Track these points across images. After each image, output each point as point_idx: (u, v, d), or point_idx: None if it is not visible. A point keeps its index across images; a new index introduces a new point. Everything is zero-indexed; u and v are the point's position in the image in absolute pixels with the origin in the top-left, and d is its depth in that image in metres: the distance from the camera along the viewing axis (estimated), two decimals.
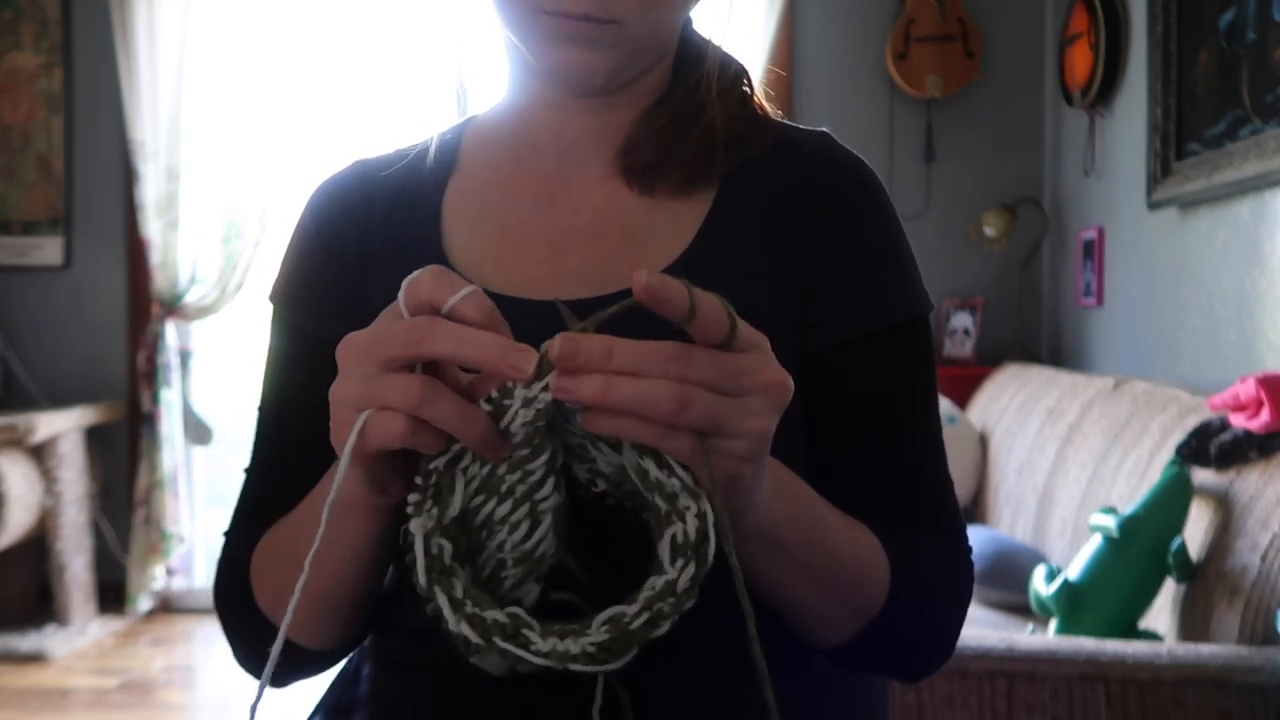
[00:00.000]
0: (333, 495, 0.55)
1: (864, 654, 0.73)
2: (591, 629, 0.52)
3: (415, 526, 0.54)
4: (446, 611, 0.52)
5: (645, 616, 0.52)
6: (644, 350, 0.52)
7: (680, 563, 0.53)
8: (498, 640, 0.51)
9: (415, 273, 0.55)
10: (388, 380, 0.53)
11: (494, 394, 0.54)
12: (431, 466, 0.55)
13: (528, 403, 0.54)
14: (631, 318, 0.73)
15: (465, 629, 0.52)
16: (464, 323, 0.53)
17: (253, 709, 0.59)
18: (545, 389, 0.53)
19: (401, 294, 0.55)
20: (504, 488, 0.57)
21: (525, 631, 0.52)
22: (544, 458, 0.57)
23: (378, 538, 0.63)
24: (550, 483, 0.58)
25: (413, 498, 0.55)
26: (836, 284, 0.76)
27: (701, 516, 0.53)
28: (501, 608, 0.53)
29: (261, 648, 0.75)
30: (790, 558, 0.65)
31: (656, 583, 0.53)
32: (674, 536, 0.53)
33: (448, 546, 0.54)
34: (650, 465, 0.55)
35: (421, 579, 0.53)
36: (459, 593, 0.53)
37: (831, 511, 0.68)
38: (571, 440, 0.59)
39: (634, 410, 0.51)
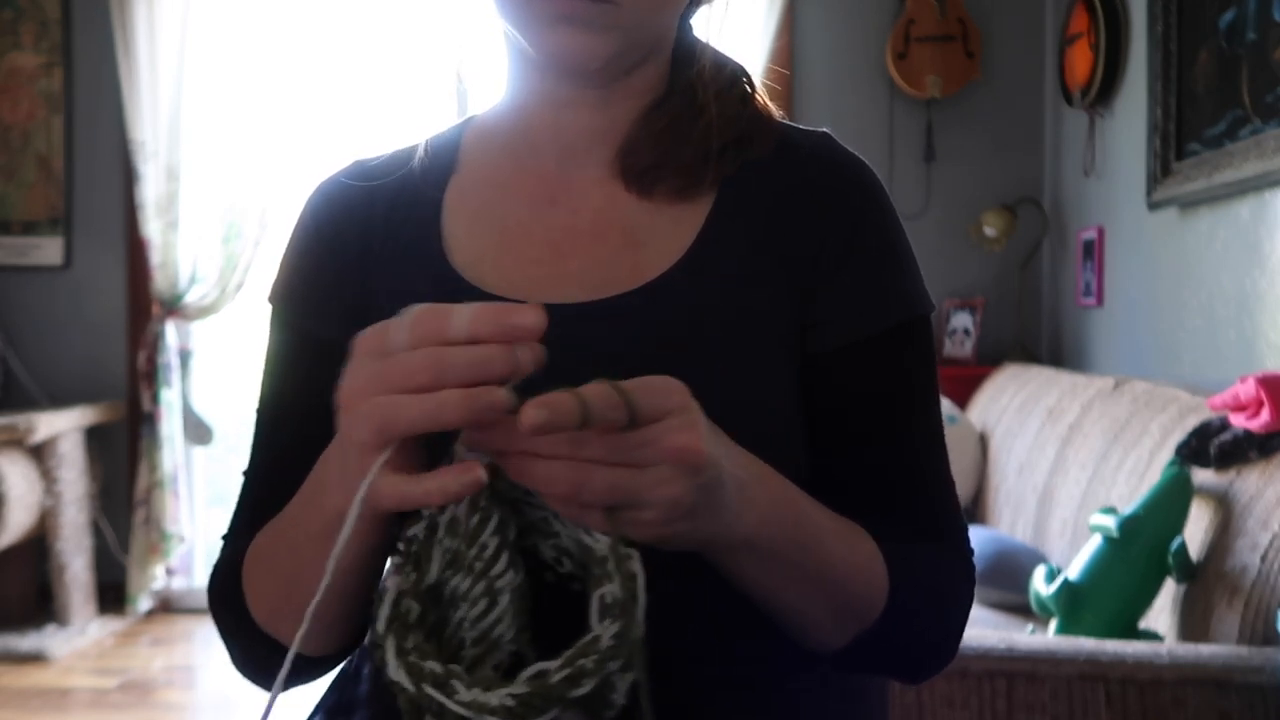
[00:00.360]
0: (355, 507, 0.55)
1: (863, 658, 0.73)
2: (515, 683, 0.51)
3: (390, 583, 0.55)
4: (390, 657, 0.53)
5: (566, 672, 0.51)
6: (541, 439, 0.53)
7: (607, 621, 0.53)
8: (425, 687, 0.51)
9: (407, 313, 0.55)
10: (400, 360, 0.53)
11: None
12: (410, 534, 0.56)
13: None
14: (625, 322, 0.73)
15: (401, 675, 0.52)
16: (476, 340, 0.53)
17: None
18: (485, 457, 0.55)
19: (405, 331, 0.54)
20: (466, 562, 0.57)
21: (454, 681, 0.51)
22: (492, 526, 0.57)
23: (373, 547, 0.63)
24: (504, 558, 0.58)
25: (394, 560, 0.56)
26: (837, 285, 0.76)
27: (629, 578, 0.54)
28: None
29: (255, 652, 0.75)
30: (782, 564, 0.65)
31: (581, 640, 0.52)
32: (602, 597, 0.54)
33: (415, 609, 0.54)
34: (579, 532, 0.57)
35: (380, 627, 0.54)
36: (408, 644, 0.53)
37: (826, 517, 0.68)
38: (534, 516, 0.59)
39: (540, 490, 0.54)
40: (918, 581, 0.73)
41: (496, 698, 0.51)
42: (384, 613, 0.54)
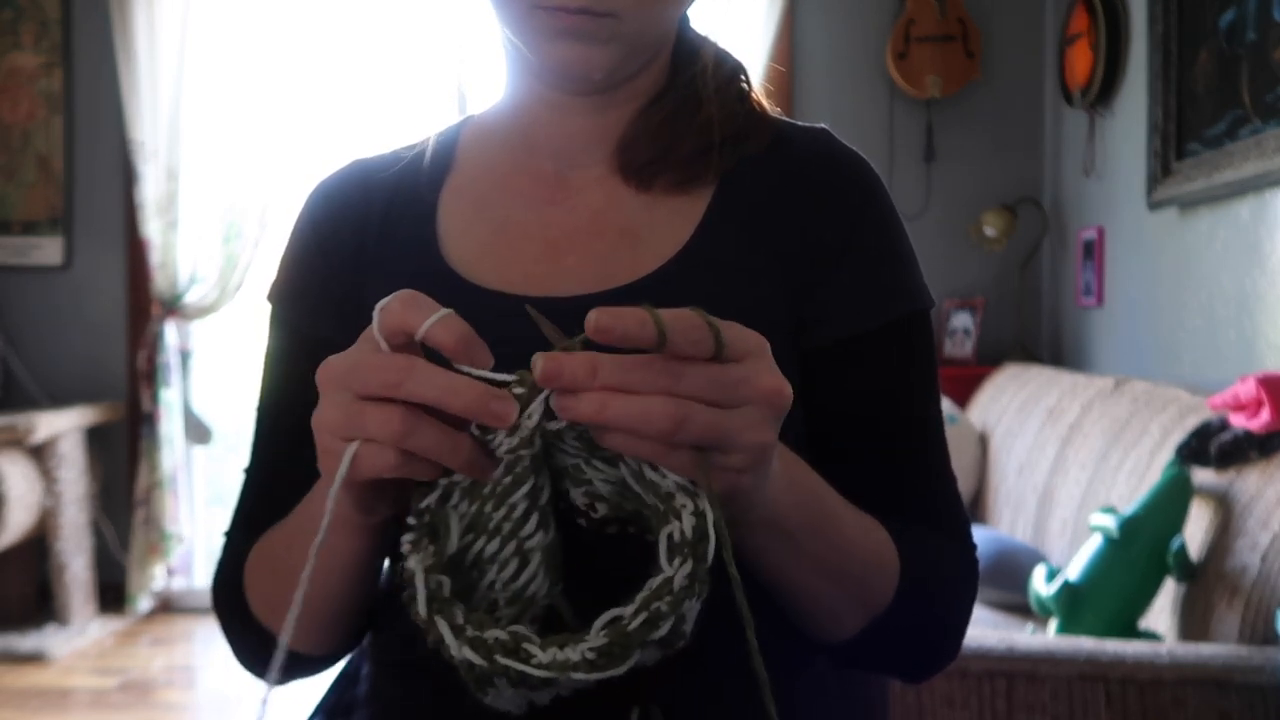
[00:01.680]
0: (323, 531, 0.54)
1: (870, 651, 0.73)
2: (590, 635, 0.50)
3: (414, 563, 0.53)
4: (448, 638, 0.51)
5: (643, 617, 0.50)
6: (629, 366, 0.50)
7: (677, 561, 0.51)
8: (499, 658, 0.50)
9: (385, 300, 0.53)
10: (369, 411, 0.52)
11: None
12: (424, 505, 0.55)
13: (513, 429, 0.53)
14: (655, 296, 0.73)
15: (468, 653, 0.50)
16: (438, 347, 0.52)
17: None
18: (529, 416, 0.52)
19: (375, 322, 0.53)
20: (491, 525, 0.56)
21: (526, 646, 0.50)
22: (524, 489, 0.56)
23: (367, 553, 0.62)
24: (534, 519, 0.57)
25: (407, 537, 0.54)
26: (836, 280, 0.76)
27: (699, 515, 0.52)
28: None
29: (257, 650, 0.76)
30: (798, 546, 0.64)
31: (653, 582, 0.51)
32: (670, 535, 0.52)
33: (446, 581, 0.53)
34: (645, 468, 0.54)
35: (422, 610, 0.52)
36: (459, 619, 0.52)
37: (841, 502, 0.68)
38: (566, 462, 0.58)
39: (630, 429, 0.50)
40: (927, 572, 0.73)
41: (577, 653, 0.50)
42: (420, 594, 0.52)
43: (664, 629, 0.50)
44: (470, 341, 0.52)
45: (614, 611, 0.51)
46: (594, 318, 0.48)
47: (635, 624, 0.50)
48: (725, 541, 0.52)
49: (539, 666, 0.50)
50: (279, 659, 0.55)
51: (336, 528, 0.59)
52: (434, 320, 0.52)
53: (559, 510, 0.60)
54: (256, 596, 0.75)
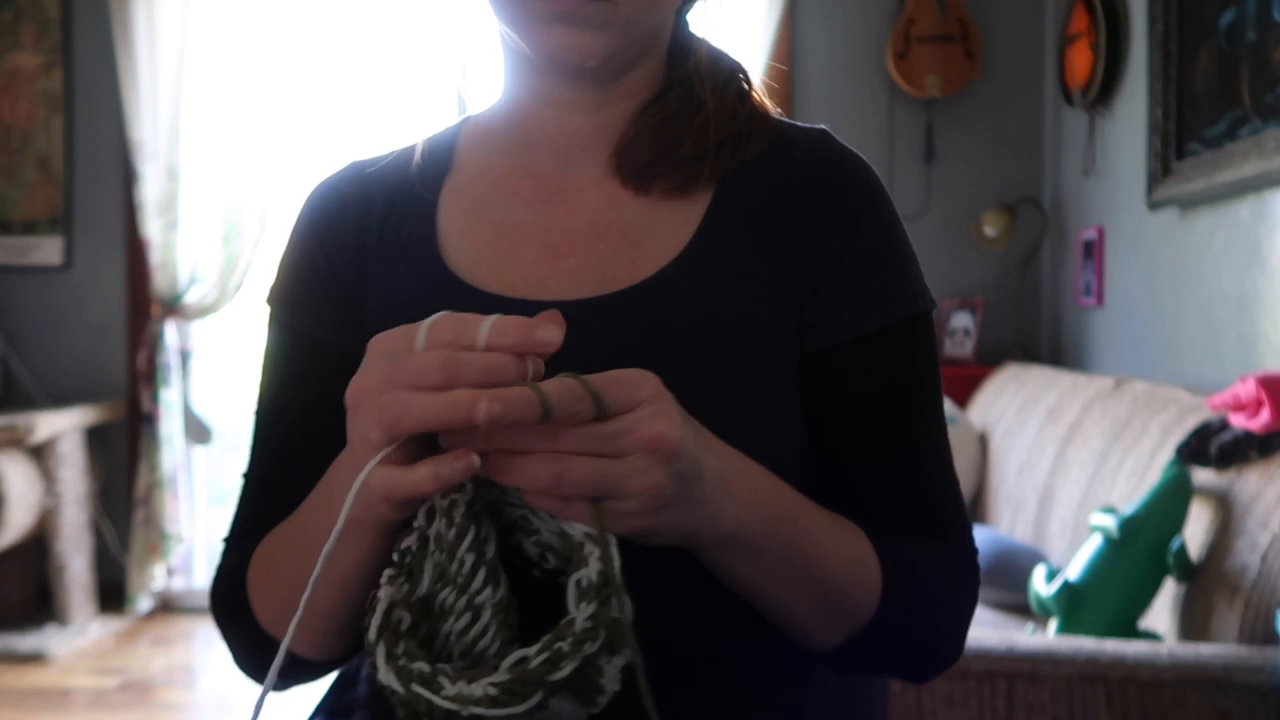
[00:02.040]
0: (343, 517, 0.56)
1: (856, 659, 0.73)
2: (498, 671, 0.52)
3: (383, 594, 0.55)
4: (380, 662, 0.53)
5: (544, 656, 0.51)
6: (515, 434, 0.53)
7: (583, 605, 0.53)
8: (414, 686, 0.52)
9: (436, 317, 0.55)
10: (408, 363, 0.54)
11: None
12: (405, 546, 0.57)
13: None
14: (621, 319, 0.73)
15: (390, 679, 0.53)
16: (504, 350, 0.54)
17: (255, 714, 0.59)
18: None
19: (422, 335, 0.55)
20: (449, 575, 0.58)
21: (440, 679, 0.52)
22: (468, 541, 0.57)
23: (377, 555, 0.63)
24: (482, 573, 0.58)
25: (388, 571, 0.56)
26: (838, 282, 0.75)
27: (606, 560, 0.54)
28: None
29: (261, 656, 0.75)
30: (770, 561, 0.65)
31: (560, 625, 0.53)
32: (579, 581, 0.54)
33: (407, 619, 0.55)
34: (560, 523, 0.57)
35: (371, 634, 0.54)
36: (399, 650, 0.54)
37: (816, 514, 0.68)
38: (514, 514, 0.60)
39: (521, 485, 0.54)
40: (912, 584, 0.72)
41: (480, 688, 0.51)
42: (375, 621, 0.55)
43: (565, 670, 0.51)
44: (529, 329, 0.54)
45: (521, 651, 0.53)
46: (483, 408, 0.51)
47: (536, 662, 0.52)
48: (615, 585, 0.54)
49: (445, 698, 0.51)
50: (279, 659, 0.56)
51: (350, 527, 0.59)
52: (488, 330, 0.54)
53: (514, 564, 0.61)
54: (263, 605, 0.74)
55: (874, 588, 0.70)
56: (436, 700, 0.51)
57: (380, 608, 0.55)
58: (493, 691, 0.51)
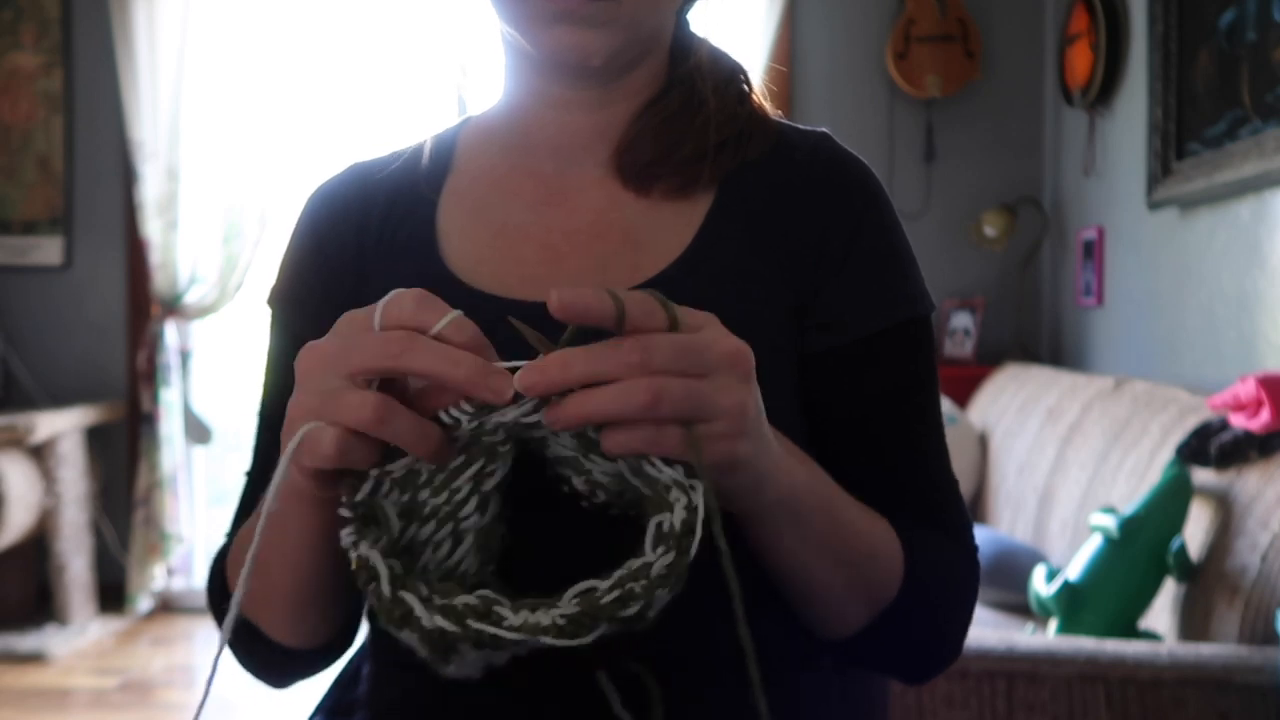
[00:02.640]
0: (269, 497, 0.55)
1: (873, 646, 0.73)
2: (562, 602, 0.52)
3: (365, 549, 0.54)
4: (419, 609, 0.52)
5: (615, 594, 0.51)
6: (598, 353, 0.52)
7: (661, 549, 0.53)
8: (471, 622, 0.51)
9: (395, 292, 0.54)
10: (346, 397, 0.53)
11: (468, 408, 0.54)
12: (359, 499, 0.56)
13: (476, 416, 0.54)
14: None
15: (440, 620, 0.51)
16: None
17: (207, 686, 0.60)
18: (503, 413, 0.54)
19: (379, 311, 0.54)
20: (428, 509, 0.58)
21: (497, 609, 0.52)
22: (472, 470, 0.57)
23: (329, 529, 0.62)
24: (474, 501, 0.58)
25: (347, 530, 0.55)
26: (839, 285, 0.75)
27: (690, 510, 0.53)
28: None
29: (249, 646, 0.76)
30: (809, 528, 0.65)
31: (633, 563, 0.53)
32: (660, 524, 0.54)
33: (397, 565, 0.54)
34: (643, 463, 0.55)
35: (386, 589, 0.53)
36: (424, 592, 0.53)
37: (842, 492, 0.69)
38: (564, 453, 0.59)
39: (615, 415, 0.52)
40: (931, 569, 0.73)
41: (549, 618, 0.51)
42: (383, 575, 0.53)
43: (633, 609, 0.52)
44: (480, 342, 0.53)
45: (589, 582, 0.52)
46: (555, 295, 0.50)
47: (608, 599, 0.52)
48: (716, 516, 0.53)
49: (510, 629, 0.51)
50: (231, 616, 0.56)
51: (295, 503, 0.60)
52: (447, 321, 0.53)
53: (562, 494, 0.61)
54: (233, 585, 0.75)
55: (898, 572, 0.71)
56: (500, 632, 0.51)
57: (378, 562, 0.54)
58: (561, 622, 0.51)
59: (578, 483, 0.61)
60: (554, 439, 0.58)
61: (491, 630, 0.51)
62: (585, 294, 0.50)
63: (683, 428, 0.53)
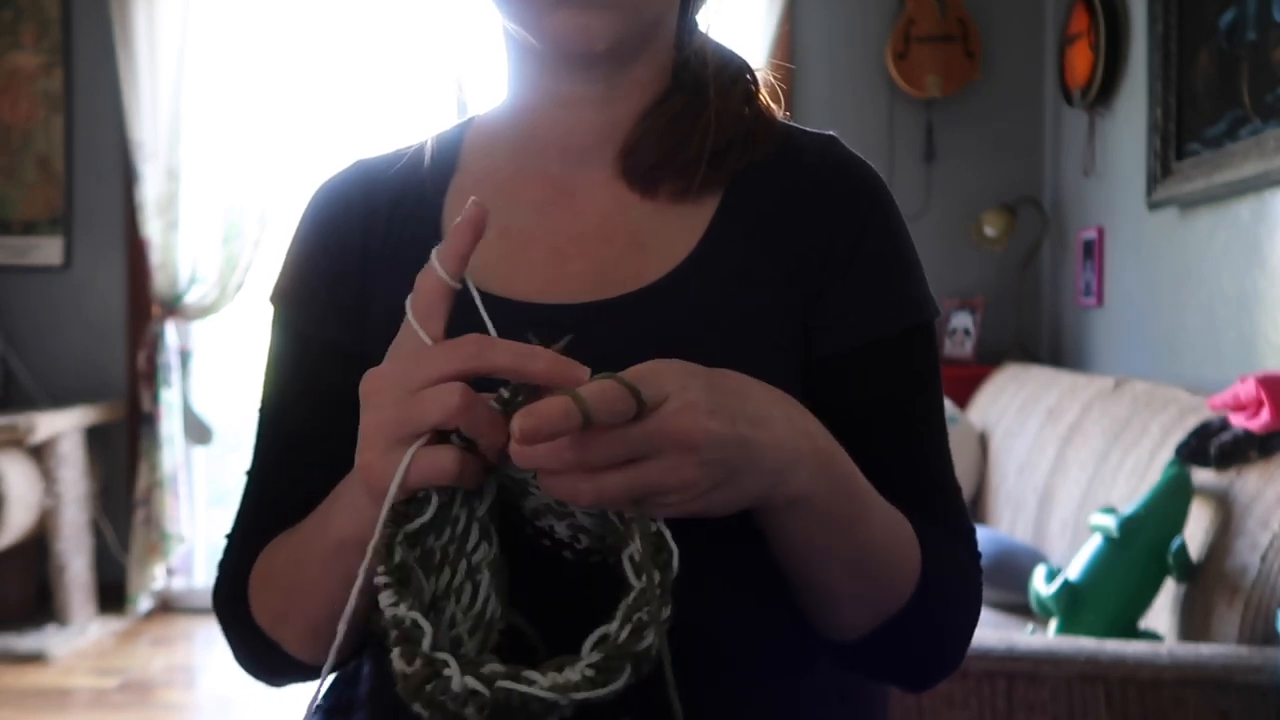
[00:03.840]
0: (371, 550, 0.56)
1: (877, 652, 0.72)
2: (584, 655, 0.52)
3: (403, 610, 0.54)
4: (455, 676, 0.52)
5: (628, 629, 0.52)
6: (547, 453, 0.53)
7: (644, 576, 0.53)
8: (504, 684, 0.51)
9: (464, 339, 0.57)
10: (425, 395, 0.54)
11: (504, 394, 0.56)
12: (397, 563, 0.55)
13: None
14: (627, 323, 0.73)
15: (475, 684, 0.51)
16: (461, 257, 0.58)
17: None
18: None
19: (417, 325, 0.57)
20: (437, 557, 0.58)
21: (526, 673, 0.52)
22: (460, 498, 0.58)
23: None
24: (476, 531, 0.59)
25: (387, 594, 0.55)
26: (845, 289, 0.75)
27: (649, 535, 0.54)
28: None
29: (260, 657, 0.76)
30: (830, 530, 0.64)
31: (628, 598, 0.53)
32: (630, 556, 0.54)
33: (428, 625, 0.54)
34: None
35: (427, 647, 0.53)
36: (462, 657, 0.53)
37: (873, 494, 0.68)
38: (546, 498, 0.60)
39: (568, 501, 0.55)
40: (944, 576, 0.73)
41: (577, 673, 0.51)
42: (425, 640, 0.53)
43: (648, 640, 0.52)
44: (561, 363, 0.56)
45: (600, 630, 0.53)
46: (518, 423, 0.51)
47: (623, 636, 0.52)
48: (669, 549, 0.54)
49: (544, 689, 0.51)
50: (321, 690, 0.58)
51: (355, 544, 0.59)
52: (443, 258, 0.57)
53: (544, 546, 0.62)
54: (261, 607, 0.75)
55: (915, 575, 0.70)
56: (534, 692, 0.51)
57: (422, 623, 0.53)
58: (590, 674, 0.51)
59: (560, 529, 0.61)
60: (534, 482, 0.59)
61: (526, 691, 0.51)
62: (548, 416, 0.51)
63: (633, 504, 0.55)
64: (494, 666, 0.52)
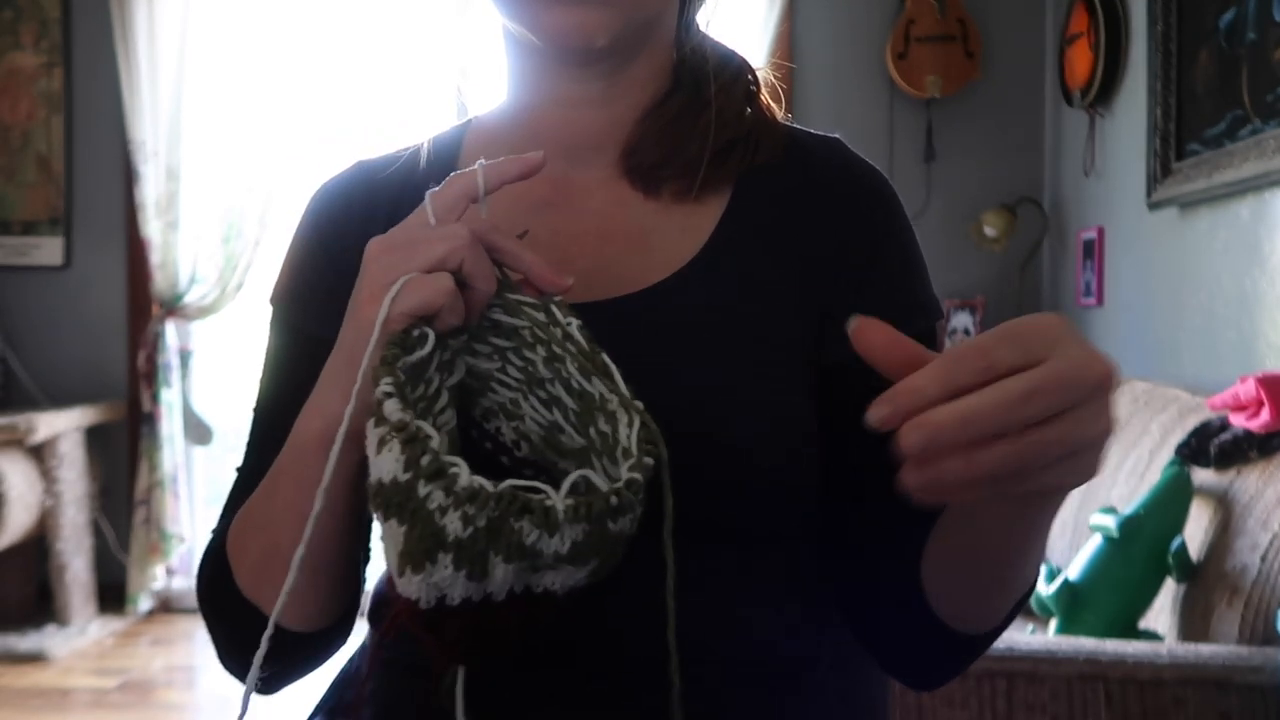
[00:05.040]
0: (369, 353, 0.57)
1: (981, 644, 0.72)
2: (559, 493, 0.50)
3: (410, 418, 0.50)
4: (464, 474, 0.48)
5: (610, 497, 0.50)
6: (991, 405, 0.47)
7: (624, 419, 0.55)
8: (510, 483, 0.49)
9: (431, 193, 0.62)
10: (433, 234, 0.58)
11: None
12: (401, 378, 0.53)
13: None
14: (630, 324, 0.73)
15: (480, 480, 0.48)
16: (506, 179, 0.63)
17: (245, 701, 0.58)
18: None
19: (430, 207, 0.61)
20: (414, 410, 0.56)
21: (527, 498, 0.49)
22: (435, 361, 0.58)
23: (348, 480, 0.61)
24: (446, 396, 0.60)
25: (393, 404, 0.51)
26: (861, 297, 0.75)
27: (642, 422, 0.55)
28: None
29: (241, 631, 0.72)
30: (1037, 520, 0.60)
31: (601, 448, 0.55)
32: (602, 469, 0.55)
33: (436, 434, 0.51)
34: (599, 386, 0.57)
35: (435, 446, 0.49)
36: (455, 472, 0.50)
37: None
38: (503, 397, 0.59)
39: (993, 481, 0.48)
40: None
41: (559, 503, 0.49)
42: (434, 442, 0.49)
43: (627, 511, 0.50)
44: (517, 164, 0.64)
45: (574, 476, 0.52)
46: (913, 438, 0.47)
47: (598, 486, 0.51)
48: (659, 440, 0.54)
49: (552, 503, 0.48)
50: (291, 576, 0.55)
51: (344, 442, 0.57)
52: (486, 172, 0.62)
53: (485, 450, 0.62)
54: (238, 564, 0.72)
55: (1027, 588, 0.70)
56: (549, 501, 0.48)
57: (428, 435, 0.49)
58: (570, 502, 0.49)
59: (506, 431, 0.60)
60: (499, 377, 0.59)
61: (544, 501, 0.48)
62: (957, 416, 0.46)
63: (1053, 470, 0.48)
64: (490, 487, 0.49)
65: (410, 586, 0.50)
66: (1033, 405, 0.47)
